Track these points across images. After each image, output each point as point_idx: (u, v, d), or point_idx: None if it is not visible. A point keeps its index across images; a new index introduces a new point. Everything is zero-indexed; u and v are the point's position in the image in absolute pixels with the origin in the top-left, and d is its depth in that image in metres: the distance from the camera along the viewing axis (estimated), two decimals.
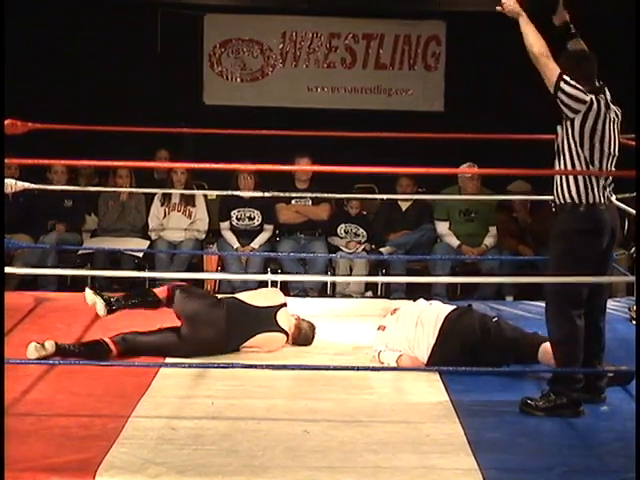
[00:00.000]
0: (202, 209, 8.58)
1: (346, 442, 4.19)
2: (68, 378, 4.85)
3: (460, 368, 4.90)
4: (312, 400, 4.72)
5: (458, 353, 5.14)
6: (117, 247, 8.22)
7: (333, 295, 8.21)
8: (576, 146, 4.50)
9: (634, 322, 6.15)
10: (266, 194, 7.51)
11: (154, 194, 8.52)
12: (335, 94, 10.53)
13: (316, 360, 5.34)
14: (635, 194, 5.43)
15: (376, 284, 8.40)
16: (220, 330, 5.40)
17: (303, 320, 5.75)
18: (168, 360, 5.24)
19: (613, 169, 4.59)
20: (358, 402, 4.73)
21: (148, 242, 8.50)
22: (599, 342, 4.71)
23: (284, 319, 5.64)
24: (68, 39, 9.89)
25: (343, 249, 8.46)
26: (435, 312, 5.40)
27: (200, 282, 8.16)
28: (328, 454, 4.04)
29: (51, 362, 4.99)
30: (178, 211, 8.53)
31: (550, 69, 4.47)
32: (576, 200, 4.53)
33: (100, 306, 5.37)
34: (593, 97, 4.51)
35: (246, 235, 8.45)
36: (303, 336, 5.69)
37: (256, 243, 8.40)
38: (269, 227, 8.52)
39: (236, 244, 8.39)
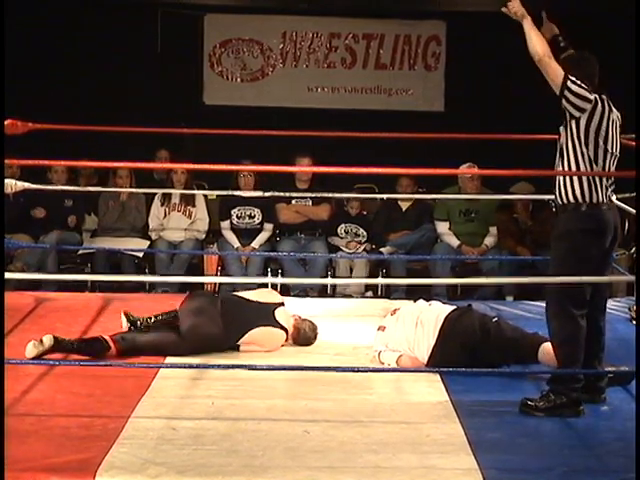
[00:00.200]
0: (202, 209, 8.58)
1: (346, 442, 4.19)
2: (68, 378, 4.85)
3: (460, 368, 4.90)
4: (312, 400, 4.72)
5: (458, 353, 5.14)
6: (117, 247, 8.22)
7: (333, 295, 8.21)
8: (580, 145, 4.50)
9: (634, 322, 6.15)
10: (266, 194, 7.51)
11: (154, 194, 8.52)
12: (335, 94, 10.53)
13: (316, 360, 5.34)
14: (635, 194, 5.44)
15: (376, 284, 8.40)
16: (217, 324, 5.43)
17: (304, 320, 5.75)
18: (168, 360, 5.25)
19: (614, 169, 4.59)
20: (358, 402, 4.73)
21: (148, 242, 8.50)
22: (599, 342, 4.71)
23: (282, 316, 5.65)
24: (68, 39, 9.89)
25: (343, 249, 8.46)
26: (435, 312, 5.40)
27: (200, 282, 8.18)
28: (328, 454, 4.04)
29: (51, 362, 4.99)
30: (178, 211, 8.53)
31: (554, 70, 4.47)
32: (580, 200, 4.53)
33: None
34: (597, 96, 4.52)
35: (246, 234, 8.45)
36: (303, 336, 5.69)
37: (256, 243, 8.41)
38: (269, 226, 8.52)
39: (236, 244, 8.40)
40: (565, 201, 4.58)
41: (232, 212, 8.47)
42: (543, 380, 4.76)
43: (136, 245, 8.41)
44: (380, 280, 8.38)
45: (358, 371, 5.10)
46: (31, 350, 5.15)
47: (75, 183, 8.62)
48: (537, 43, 4.52)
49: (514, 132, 6.39)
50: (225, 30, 10.49)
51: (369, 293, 8.36)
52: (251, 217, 8.49)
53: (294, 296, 7.73)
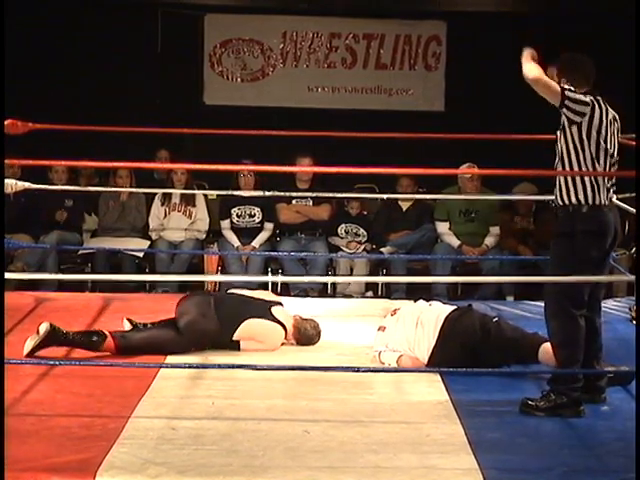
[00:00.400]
0: (202, 209, 8.58)
1: (346, 442, 4.19)
2: (68, 378, 4.85)
3: (460, 368, 4.90)
4: (312, 400, 4.72)
5: (458, 353, 5.14)
6: (117, 247, 8.22)
7: (334, 295, 8.22)
8: (582, 148, 4.50)
9: (634, 322, 6.15)
10: (267, 193, 7.51)
11: (154, 194, 8.52)
12: (335, 94, 10.52)
13: (316, 360, 5.34)
14: (635, 194, 5.43)
15: (377, 284, 8.41)
16: (212, 319, 5.45)
17: (304, 320, 5.75)
18: (168, 360, 5.25)
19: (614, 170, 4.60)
20: (358, 402, 4.73)
21: (148, 242, 8.50)
22: (596, 342, 4.71)
23: (280, 314, 5.66)
24: (68, 39, 9.88)
25: (343, 249, 8.47)
26: (435, 312, 5.40)
27: (200, 282, 8.18)
28: (328, 454, 4.04)
29: (51, 362, 4.99)
30: (178, 211, 8.53)
31: (551, 87, 4.50)
32: (581, 201, 4.53)
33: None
34: (592, 98, 4.53)
35: (246, 233, 8.46)
36: (304, 335, 5.69)
37: (256, 242, 8.41)
38: (269, 225, 8.52)
39: (237, 243, 8.40)
40: (566, 202, 4.57)
41: (232, 211, 8.47)
42: (543, 380, 4.76)
43: (136, 245, 8.41)
44: (380, 278, 8.38)
45: (358, 371, 5.10)
46: (29, 344, 5.16)
47: (75, 183, 8.62)
48: (531, 67, 4.55)
49: (514, 132, 6.39)
50: (225, 30, 10.49)
51: (369, 293, 8.36)
52: (251, 216, 8.49)
53: (294, 296, 7.74)
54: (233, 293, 5.88)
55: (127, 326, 5.55)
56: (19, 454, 3.86)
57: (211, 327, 5.45)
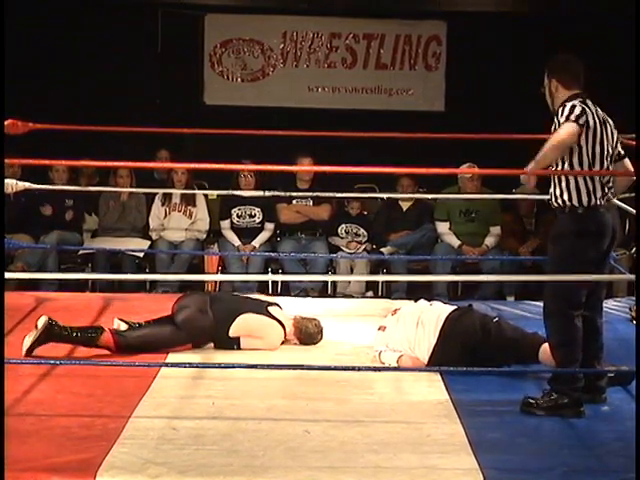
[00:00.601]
0: (203, 209, 8.58)
1: (347, 442, 4.19)
2: (69, 378, 4.85)
3: (461, 368, 4.90)
4: (313, 400, 4.72)
5: (459, 353, 5.14)
6: (118, 247, 8.22)
7: (334, 295, 8.22)
8: (577, 152, 4.49)
9: (634, 322, 6.15)
10: (267, 193, 7.52)
11: (155, 194, 8.52)
12: (336, 94, 10.53)
13: (317, 360, 5.34)
14: (635, 194, 5.44)
15: (377, 284, 8.41)
16: (207, 316, 5.47)
17: (305, 319, 5.75)
18: (169, 360, 5.26)
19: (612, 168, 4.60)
20: (359, 402, 4.73)
21: (149, 242, 8.50)
22: (597, 342, 4.71)
23: (278, 313, 5.67)
24: (68, 39, 9.89)
25: (344, 249, 8.47)
26: (436, 312, 5.40)
27: (201, 282, 8.18)
28: (329, 454, 4.04)
29: (52, 362, 4.99)
30: (179, 211, 8.53)
31: (564, 136, 4.45)
32: (577, 202, 4.52)
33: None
34: (582, 104, 4.51)
35: (247, 233, 8.46)
36: (306, 333, 5.70)
37: (257, 242, 8.41)
38: (270, 226, 8.52)
39: (237, 242, 8.40)
40: (561, 204, 4.58)
41: (232, 211, 8.47)
42: (544, 380, 4.76)
43: (137, 245, 8.41)
44: (380, 278, 8.38)
45: (359, 370, 5.10)
46: (27, 340, 5.17)
47: (76, 183, 8.62)
48: (547, 156, 4.48)
49: (514, 132, 6.39)
50: (225, 30, 10.49)
51: (370, 293, 8.37)
52: (251, 216, 8.49)
53: (294, 296, 7.75)
54: (230, 293, 5.92)
55: (123, 326, 5.54)
56: (19, 454, 3.86)
57: (207, 323, 5.48)
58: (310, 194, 8.36)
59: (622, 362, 4.94)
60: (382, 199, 8.90)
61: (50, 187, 7.45)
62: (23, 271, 7.83)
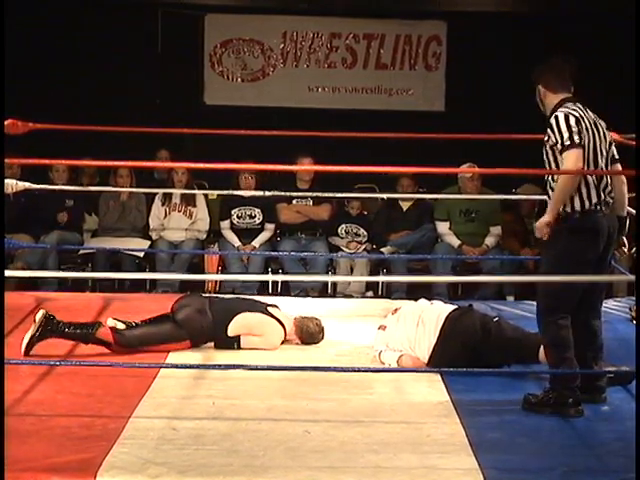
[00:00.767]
0: (203, 209, 8.58)
1: (347, 442, 4.19)
2: (69, 378, 4.85)
3: (461, 368, 4.90)
4: (313, 400, 4.72)
5: (459, 353, 5.15)
6: (118, 247, 8.21)
7: (334, 295, 8.22)
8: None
9: (634, 322, 6.15)
10: (267, 193, 7.52)
11: (155, 194, 8.52)
12: (336, 94, 10.53)
13: (317, 360, 5.34)
14: (635, 194, 5.43)
15: (377, 284, 8.40)
16: (206, 315, 5.49)
17: (305, 318, 5.76)
18: (169, 360, 5.26)
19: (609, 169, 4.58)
20: (359, 402, 4.73)
21: (149, 242, 8.50)
22: (594, 343, 4.71)
23: (278, 313, 5.68)
24: (68, 39, 9.89)
25: (344, 249, 8.47)
26: (436, 312, 5.40)
27: (201, 282, 8.18)
28: (329, 454, 4.04)
29: (52, 362, 4.99)
30: (179, 211, 8.53)
31: (572, 163, 4.44)
32: (569, 208, 4.51)
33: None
34: (568, 111, 4.49)
35: (247, 234, 8.46)
36: (306, 332, 5.70)
37: (257, 242, 8.41)
38: (270, 226, 8.52)
39: (237, 242, 8.40)
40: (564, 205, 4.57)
41: (232, 212, 8.46)
42: (544, 380, 4.77)
43: (137, 245, 8.41)
44: (380, 278, 8.38)
45: (359, 371, 5.10)
46: (26, 336, 5.18)
47: (76, 183, 8.62)
48: (566, 192, 4.46)
49: (514, 132, 6.39)
50: (226, 30, 10.50)
51: (370, 293, 8.36)
52: (251, 217, 8.49)
53: (294, 296, 7.75)
54: (230, 295, 5.95)
55: (120, 325, 5.52)
56: (19, 454, 3.86)
57: (206, 323, 5.49)
58: (310, 194, 8.36)
59: (622, 362, 4.94)
60: (382, 199, 8.89)
61: (50, 187, 7.45)
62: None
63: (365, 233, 8.61)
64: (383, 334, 5.46)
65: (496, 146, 7.26)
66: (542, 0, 10.02)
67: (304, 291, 8.14)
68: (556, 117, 4.49)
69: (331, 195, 7.88)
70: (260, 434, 4.25)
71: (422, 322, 5.34)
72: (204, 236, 8.61)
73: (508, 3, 10.19)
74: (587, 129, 4.49)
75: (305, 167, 8.24)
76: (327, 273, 8.34)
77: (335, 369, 5.10)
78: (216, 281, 8.26)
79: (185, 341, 5.45)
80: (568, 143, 4.43)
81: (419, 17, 10.40)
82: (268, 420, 4.43)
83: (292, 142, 7.18)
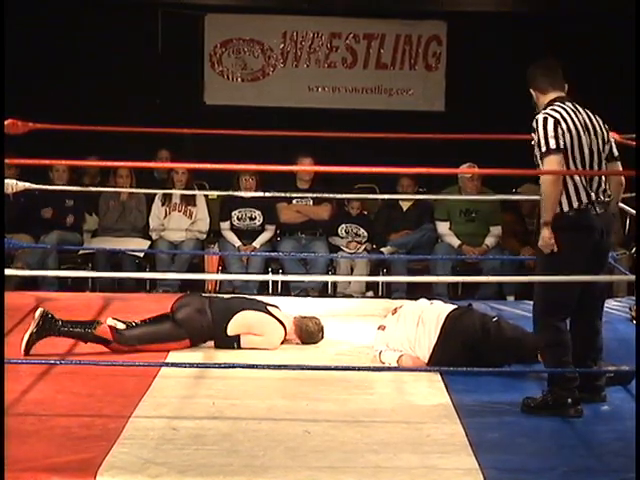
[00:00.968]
0: (203, 209, 8.58)
1: (347, 442, 4.19)
2: (68, 378, 4.85)
3: (461, 368, 4.90)
4: (313, 400, 4.72)
5: (459, 352, 5.15)
6: (118, 247, 8.22)
7: (334, 295, 8.22)
8: (567, 163, 4.48)
9: (634, 322, 6.15)
10: (267, 194, 7.52)
11: (155, 194, 8.52)
12: (336, 94, 10.52)
13: (317, 360, 5.34)
14: (635, 194, 5.43)
15: (377, 284, 8.40)
16: (205, 311, 5.50)
17: (305, 317, 5.76)
18: (169, 359, 5.26)
19: (604, 168, 4.56)
20: (359, 402, 4.73)
21: (149, 242, 8.50)
22: (594, 342, 4.71)
23: (278, 312, 5.68)
24: (68, 39, 9.88)
25: (344, 249, 8.47)
26: (436, 311, 5.40)
27: (201, 282, 8.19)
28: (329, 454, 4.05)
29: (52, 362, 4.99)
30: (179, 211, 8.53)
31: (552, 166, 4.45)
32: (558, 206, 4.52)
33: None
34: (556, 112, 4.49)
35: (247, 236, 8.45)
36: (306, 332, 5.70)
37: (257, 243, 8.41)
38: (271, 227, 8.52)
39: (237, 243, 8.40)
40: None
41: (233, 214, 8.46)
42: (544, 380, 4.76)
43: (137, 245, 8.41)
44: (380, 278, 8.38)
45: (359, 369, 5.10)
46: (26, 335, 5.18)
47: (77, 183, 8.62)
48: (550, 198, 4.47)
49: (514, 132, 6.39)
50: (226, 30, 10.49)
51: (370, 293, 8.36)
52: (252, 219, 8.49)
53: (295, 296, 7.74)
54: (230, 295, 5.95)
55: (120, 325, 5.53)
56: (19, 454, 3.86)
57: (205, 322, 5.50)
58: (310, 194, 8.36)
59: (622, 362, 4.94)
60: (382, 199, 8.89)
61: (50, 187, 7.45)
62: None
63: (365, 233, 8.61)
64: (383, 334, 5.46)
65: (496, 146, 7.26)
66: (542, 0, 10.02)
67: (304, 291, 8.14)
68: (536, 120, 4.50)
69: (331, 195, 7.89)
70: (260, 434, 4.25)
71: (422, 322, 5.34)
72: (204, 236, 8.61)
73: (508, 3, 10.18)
74: (570, 129, 4.46)
75: (305, 167, 8.24)
76: (327, 273, 8.34)
77: (335, 369, 5.10)
78: (216, 281, 8.26)
79: (185, 340, 5.46)
80: (544, 150, 4.45)
81: (419, 17, 10.39)
82: (268, 420, 4.43)
83: (292, 142, 7.18)
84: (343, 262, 8.48)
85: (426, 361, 5.26)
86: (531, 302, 6.59)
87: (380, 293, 8.30)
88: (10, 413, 4.24)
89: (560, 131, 4.43)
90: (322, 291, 8.28)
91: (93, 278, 7.99)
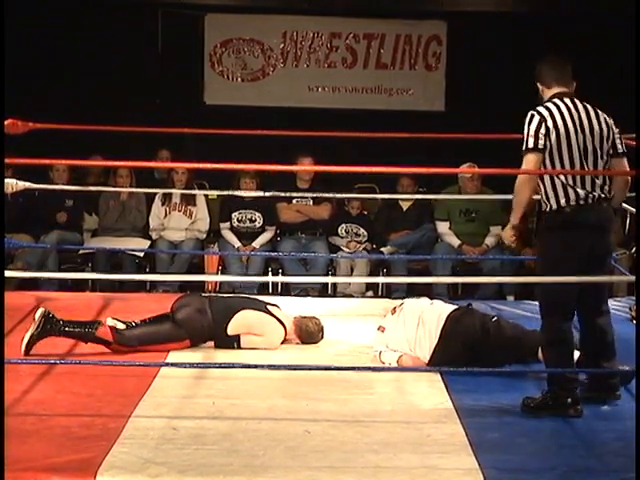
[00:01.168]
0: (203, 209, 8.58)
1: (347, 442, 4.19)
2: (69, 378, 4.85)
3: (461, 368, 4.90)
4: (313, 400, 4.73)
5: (460, 353, 5.15)
6: (118, 247, 8.22)
7: (334, 295, 8.21)
8: (551, 158, 4.48)
9: (634, 322, 6.14)
10: (267, 194, 7.51)
11: (155, 194, 8.52)
12: (336, 94, 10.52)
13: (317, 360, 5.35)
14: (635, 194, 5.43)
15: (377, 284, 8.40)
16: (205, 311, 5.50)
17: (305, 317, 5.76)
18: (169, 359, 5.26)
19: (600, 167, 4.55)
20: (359, 402, 4.73)
21: (149, 242, 8.50)
22: (602, 340, 4.70)
23: (278, 312, 5.68)
24: (68, 39, 9.88)
25: (344, 249, 8.47)
26: (437, 312, 5.40)
27: (201, 281, 8.19)
28: (329, 454, 4.05)
29: (52, 362, 4.99)
30: (179, 211, 8.53)
31: (527, 176, 4.49)
32: (547, 207, 4.52)
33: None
34: (547, 109, 4.48)
35: (247, 237, 8.45)
36: (306, 332, 5.71)
37: (257, 243, 8.40)
38: (271, 228, 8.52)
39: (237, 243, 8.40)
40: (540, 206, 4.59)
41: (232, 215, 8.45)
42: (544, 380, 4.76)
43: (137, 245, 8.41)
44: (380, 278, 8.38)
45: (359, 369, 5.10)
46: (26, 335, 5.18)
47: (80, 182, 8.61)
48: (520, 194, 4.53)
49: (514, 132, 6.39)
50: (226, 30, 10.49)
51: (370, 293, 8.36)
52: (252, 221, 8.48)
53: (294, 296, 7.74)
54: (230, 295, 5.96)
55: (120, 325, 5.53)
56: (19, 454, 3.86)
57: (205, 322, 5.50)
58: (310, 194, 8.36)
59: (622, 362, 4.93)
60: (382, 199, 8.89)
61: (50, 187, 7.45)
62: (23, 271, 7.83)
63: (365, 233, 8.60)
64: (382, 335, 5.46)
65: (496, 146, 7.26)
66: (542, 0, 10.02)
67: (304, 291, 8.13)
68: (526, 116, 4.51)
69: (331, 195, 7.89)
70: (260, 434, 4.25)
71: (422, 322, 5.34)
72: (204, 236, 8.61)
73: (508, 3, 10.18)
74: (557, 127, 4.45)
75: (305, 167, 8.24)
76: (327, 273, 8.34)
77: (335, 369, 5.10)
78: (216, 281, 8.26)
79: (185, 340, 5.46)
80: (523, 148, 4.49)
81: (419, 17, 10.39)
82: (268, 420, 4.43)
83: (292, 142, 7.18)
84: (343, 262, 8.47)
85: (427, 362, 5.26)
86: (531, 302, 6.67)
87: (380, 293, 8.30)
88: (10, 413, 4.24)
89: (543, 130, 4.44)
90: (322, 291, 8.28)
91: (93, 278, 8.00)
